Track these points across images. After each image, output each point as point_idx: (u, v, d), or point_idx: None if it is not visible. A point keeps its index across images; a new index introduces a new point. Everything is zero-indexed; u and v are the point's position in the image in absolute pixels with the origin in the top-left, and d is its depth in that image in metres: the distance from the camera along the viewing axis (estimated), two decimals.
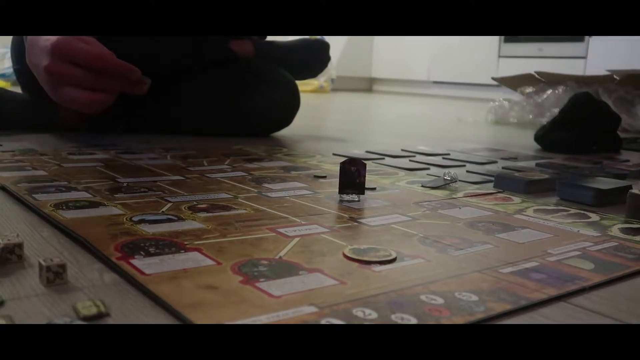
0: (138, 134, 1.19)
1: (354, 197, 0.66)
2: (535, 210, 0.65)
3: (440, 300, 0.38)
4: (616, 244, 0.53)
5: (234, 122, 1.24)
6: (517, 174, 0.81)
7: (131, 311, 0.35)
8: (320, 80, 3.54)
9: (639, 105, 1.77)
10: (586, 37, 3.10)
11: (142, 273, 0.40)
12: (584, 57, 3.12)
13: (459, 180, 0.80)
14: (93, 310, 0.34)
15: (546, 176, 0.80)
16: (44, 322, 0.33)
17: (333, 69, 3.69)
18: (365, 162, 0.66)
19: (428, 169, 0.93)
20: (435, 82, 3.95)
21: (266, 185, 0.72)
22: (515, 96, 2.15)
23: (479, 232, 0.55)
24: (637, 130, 1.71)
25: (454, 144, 1.28)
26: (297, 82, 1.32)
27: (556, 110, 1.50)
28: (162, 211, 0.57)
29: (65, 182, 0.69)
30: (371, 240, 0.50)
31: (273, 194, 0.67)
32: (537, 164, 1.00)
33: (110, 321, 0.34)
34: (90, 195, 0.62)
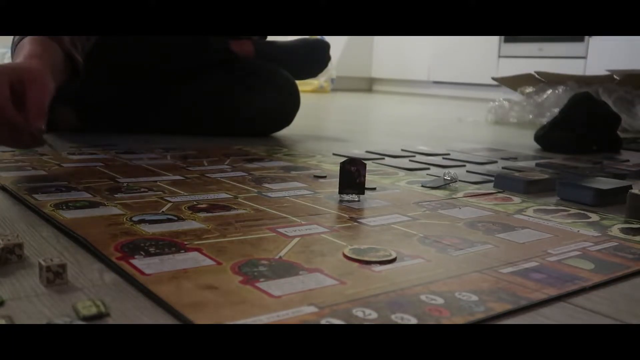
0: (138, 134, 1.19)
1: (354, 197, 0.66)
2: (535, 210, 0.65)
3: (440, 300, 0.38)
4: (616, 244, 0.53)
5: (234, 122, 1.24)
6: (517, 174, 0.81)
7: (131, 311, 0.35)
8: (320, 80, 3.54)
9: (639, 105, 1.77)
10: (586, 37, 3.10)
11: (142, 273, 0.40)
12: (584, 57, 3.12)
13: (459, 180, 0.80)
14: (93, 310, 0.34)
15: (546, 176, 0.80)
16: (44, 322, 0.33)
17: (333, 69, 3.69)
18: (365, 162, 0.66)
19: (428, 169, 0.93)
20: (435, 82, 3.95)
21: (266, 185, 0.72)
22: (515, 96, 2.15)
23: (479, 232, 0.55)
24: (637, 130, 1.71)
25: (454, 144, 1.28)
26: (297, 82, 1.33)
27: (556, 110, 1.50)
28: (162, 211, 0.57)
29: (65, 182, 0.68)
30: (371, 240, 0.50)
31: (273, 194, 0.67)
32: (537, 164, 1.00)
33: (110, 321, 0.34)
34: (90, 195, 0.62)
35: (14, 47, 0.80)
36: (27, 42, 0.76)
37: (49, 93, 0.69)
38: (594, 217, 0.63)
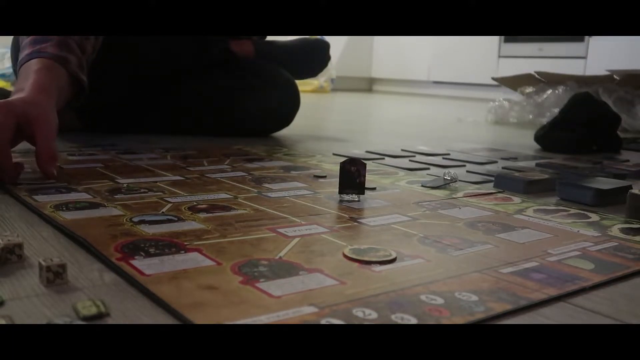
0: (138, 134, 1.19)
1: (354, 197, 0.66)
2: (535, 210, 0.65)
3: (440, 300, 0.38)
4: (616, 244, 0.53)
5: (234, 122, 1.24)
6: (517, 174, 0.81)
7: (131, 311, 0.35)
8: (320, 80, 3.54)
9: (639, 105, 1.77)
10: (586, 37, 3.10)
11: (142, 273, 0.40)
12: (584, 57, 3.12)
13: (459, 180, 0.80)
14: (93, 310, 0.34)
15: (546, 176, 0.80)
16: (44, 322, 0.33)
17: (333, 69, 3.69)
18: (365, 162, 0.66)
19: (428, 169, 0.93)
20: (435, 82, 3.95)
21: (266, 185, 0.72)
22: (515, 96, 2.15)
23: (479, 232, 0.55)
24: (637, 130, 1.71)
25: (454, 144, 1.28)
26: (297, 82, 1.33)
27: (556, 110, 1.50)
28: (162, 212, 0.57)
29: (65, 183, 0.68)
30: (371, 240, 0.50)
31: (273, 194, 0.67)
32: (537, 164, 1.00)
33: (110, 321, 0.34)
34: (90, 196, 0.62)
35: (19, 66, 0.80)
36: (34, 68, 0.76)
37: (55, 133, 0.71)
38: (594, 217, 0.63)
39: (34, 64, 0.77)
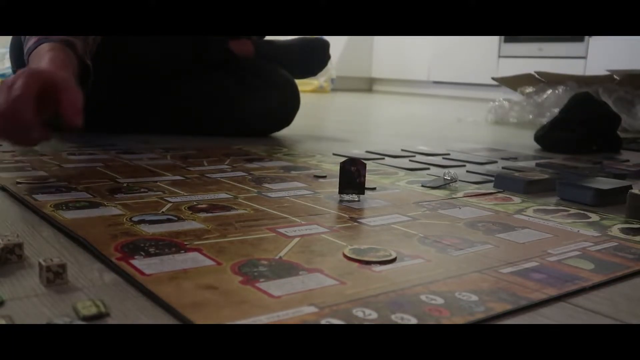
0: (138, 134, 1.19)
1: (354, 197, 0.66)
2: (535, 210, 0.65)
3: (440, 300, 0.38)
4: (616, 244, 0.53)
5: (234, 122, 1.24)
6: (517, 174, 0.81)
7: (131, 311, 0.35)
8: (320, 80, 3.54)
9: (639, 105, 1.77)
10: (586, 37, 3.10)
11: (142, 273, 0.40)
12: (584, 57, 3.12)
13: (459, 180, 0.80)
14: (93, 310, 0.34)
15: (546, 176, 0.80)
16: (44, 322, 0.33)
17: (333, 69, 3.69)
18: (365, 162, 0.66)
19: (428, 169, 0.93)
20: (435, 82, 3.95)
21: (266, 185, 0.72)
22: (515, 96, 2.15)
23: (479, 232, 0.55)
24: (637, 130, 1.71)
25: (454, 144, 1.28)
26: (297, 81, 1.32)
27: (556, 110, 1.50)
28: (162, 211, 0.57)
29: (65, 183, 0.68)
30: (371, 240, 0.50)
31: (273, 194, 0.67)
32: (537, 164, 1.00)
33: (110, 321, 0.34)
34: (90, 196, 0.62)
35: (27, 56, 0.80)
36: (46, 49, 0.76)
37: (82, 99, 0.70)
38: (594, 217, 0.63)
39: (45, 47, 0.78)
